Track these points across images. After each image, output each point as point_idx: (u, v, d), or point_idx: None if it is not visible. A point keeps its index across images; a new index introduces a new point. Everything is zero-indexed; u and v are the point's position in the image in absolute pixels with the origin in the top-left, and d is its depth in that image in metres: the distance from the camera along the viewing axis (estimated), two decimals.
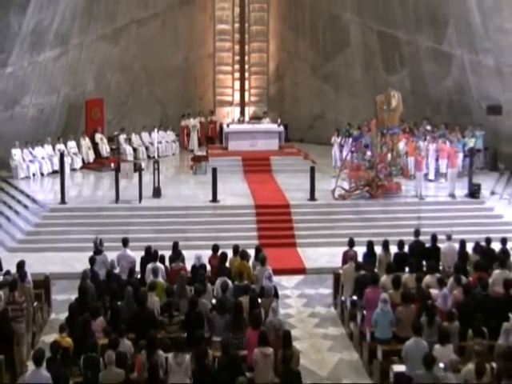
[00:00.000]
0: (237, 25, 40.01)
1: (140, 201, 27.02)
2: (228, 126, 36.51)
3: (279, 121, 36.45)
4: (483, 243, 19.71)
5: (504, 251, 19.37)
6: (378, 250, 19.52)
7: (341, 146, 32.19)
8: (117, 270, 18.60)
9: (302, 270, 23.06)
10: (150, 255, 18.80)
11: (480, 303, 15.76)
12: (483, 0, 28.28)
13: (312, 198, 27.22)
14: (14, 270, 18.26)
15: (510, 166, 32.08)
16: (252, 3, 40.24)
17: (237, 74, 40.23)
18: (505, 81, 29.90)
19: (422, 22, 33.19)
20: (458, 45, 31.74)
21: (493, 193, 28.58)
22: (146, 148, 35.72)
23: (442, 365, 13.10)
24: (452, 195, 27.67)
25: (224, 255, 18.73)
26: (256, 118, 38.91)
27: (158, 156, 30.25)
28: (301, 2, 39.01)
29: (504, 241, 19.73)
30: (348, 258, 19.06)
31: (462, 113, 33.11)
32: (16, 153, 30.99)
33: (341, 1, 36.97)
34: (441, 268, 19.14)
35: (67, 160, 31.07)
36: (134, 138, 35.73)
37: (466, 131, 31.55)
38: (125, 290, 16.22)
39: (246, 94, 40.18)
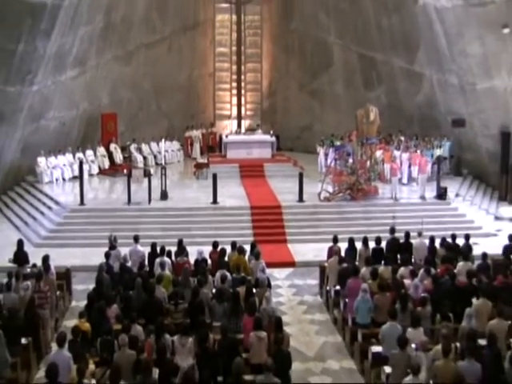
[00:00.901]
0: (234, 48, 39.93)
1: (149, 203, 27.03)
2: (227, 136, 36.50)
3: (271, 132, 36.44)
4: (449, 239, 19.81)
5: (467, 246, 19.50)
6: (359, 245, 19.58)
7: (325, 155, 32.21)
8: (129, 264, 18.60)
9: (291, 264, 23.06)
10: (156, 251, 18.84)
11: (447, 291, 15.84)
12: (448, 27, 28.31)
13: (301, 199, 27.21)
14: (39, 263, 18.31)
15: (472, 172, 32.24)
16: (247, 29, 40.19)
17: (234, 91, 40.11)
18: (467, 97, 29.91)
19: (396, 45, 33.23)
20: (427, 65, 31.78)
21: (457, 195, 28.61)
22: (155, 156, 35.67)
23: (413, 345, 13.17)
24: (423, 197, 27.72)
25: (223, 250, 18.72)
26: (251, 130, 38.91)
27: (165, 163, 30.15)
28: (290, 27, 38.96)
29: (467, 237, 19.85)
30: (332, 252, 19.10)
31: (431, 125, 33.15)
32: (41, 160, 31.00)
33: (326, 26, 36.95)
34: (413, 261, 19.17)
35: (85, 167, 31.01)
36: (144, 147, 35.69)
37: (435, 141, 31.62)
38: (135, 281, 16.26)
39: (243, 108, 40.08)
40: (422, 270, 17.08)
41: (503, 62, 27.70)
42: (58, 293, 18.06)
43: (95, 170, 33.31)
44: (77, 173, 30.05)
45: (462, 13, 27.36)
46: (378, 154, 30.28)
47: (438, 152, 30.68)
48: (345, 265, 18.00)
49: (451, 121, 30.94)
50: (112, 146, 34.47)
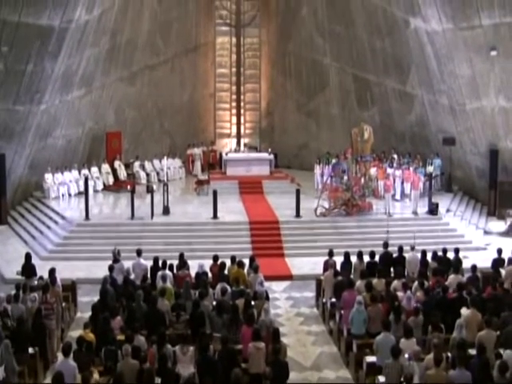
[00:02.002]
0: (234, 69, 40.13)
1: (152, 217, 27.02)
2: (226, 154, 36.53)
3: (270, 150, 36.51)
4: (440, 253, 19.81)
5: (458, 259, 19.50)
6: (354, 259, 19.57)
7: (322, 172, 32.22)
8: (132, 276, 18.57)
9: (289, 277, 23.04)
10: (158, 264, 18.78)
11: (438, 303, 15.85)
12: (439, 50, 28.40)
13: (297, 215, 27.22)
14: (46, 275, 18.28)
15: (462, 188, 32.28)
16: (247, 51, 40.38)
17: (234, 110, 40.31)
18: (457, 117, 29.99)
19: (389, 67, 33.34)
20: (418, 86, 31.86)
21: (448, 210, 28.61)
22: (157, 173, 35.63)
23: (406, 355, 13.16)
24: (415, 213, 27.73)
25: (223, 264, 18.68)
26: (250, 148, 38.99)
27: (167, 180, 30.20)
28: (288, 50, 39.11)
29: (457, 250, 19.85)
30: (328, 266, 19.08)
31: (422, 143, 33.25)
32: (48, 177, 31.03)
33: (321, 49, 37.09)
34: (406, 274, 19.17)
35: (91, 183, 30.99)
36: (147, 164, 35.73)
37: (427, 159, 31.71)
38: (135, 294, 16.23)
39: (242, 127, 40.24)
40: (415, 283, 17.11)
41: (491, 82, 27.79)
42: (63, 304, 18.02)
43: (100, 186, 33.30)
44: (82, 189, 30.09)
45: (451, 36, 27.48)
46: (372, 171, 30.33)
47: (429, 169, 30.73)
48: (340, 278, 18.01)
49: (442, 139, 31.03)
50: (116, 163, 34.49)
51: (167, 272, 18.12)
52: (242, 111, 40.17)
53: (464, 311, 15.26)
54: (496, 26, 26.30)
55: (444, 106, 30.51)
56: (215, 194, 27.14)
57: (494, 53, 26.68)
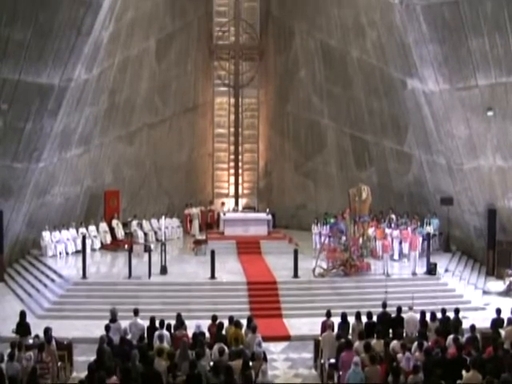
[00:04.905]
0: (232, 129, 40.44)
1: (149, 277, 26.94)
2: (224, 214, 36.57)
3: (267, 210, 36.61)
4: (439, 313, 19.75)
5: (457, 319, 19.44)
6: (352, 319, 19.49)
7: (319, 232, 32.26)
8: (129, 336, 18.48)
9: (287, 337, 22.86)
10: (154, 324, 18.71)
11: (438, 363, 15.75)
12: (436, 110, 28.73)
13: (295, 275, 27.13)
14: (41, 334, 18.18)
15: (460, 248, 32.30)
16: (245, 111, 40.77)
17: (232, 170, 40.51)
18: (454, 176, 30.17)
19: (386, 127, 33.66)
20: (416, 147, 32.14)
21: (447, 270, 28.60)
22: (155, 232, 35.69)
23: None
24: (414, 273, 27.70)
25: (221, 324, 18.60)
26: (248, 208, 39.13)
27: (165, 239, 30.16)
28: (286, 111, 39.54)
29: (457, 311, 19.79)
30: (326, 326, 19.00)
31: (420, 203, 33.38)
32: (45, 234, 31.09)
33: (319, 109, 37.51)
34: (404, 334, 19.08)
35: (88, 241, 31.00)
36: (145, 223, 35.78)
37: (425, 219, 31.83)
38: (131, 354, 16.11)
39: (240, 187, 40.41)
40: (415, 343, 17.02)
41: (488, 142, 28.05)
42: (59, 363, 17.88)
43: (98, 245, 33.31)
44: (80, 247, 30.10)
45: (448, 96, 27.81)
46: (371, 231, 30.42)
47: (427, 229, 30.80)
48: (342, 340, 17.89)
49: (440, 199, 31.19)
50: (114, 222, 34.57)
51: (164, 332, 18.03)
52: (240, 171, 40.37)
53: (465, 373, 15.15)
54: (492, 87, 26.69)
55: (441, 166, 30.72)
56: (213, 253, 27.14)
57: (490, 113, 27.04)
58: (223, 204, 39.74)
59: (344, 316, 19.67)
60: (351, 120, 35.82)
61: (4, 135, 26.71)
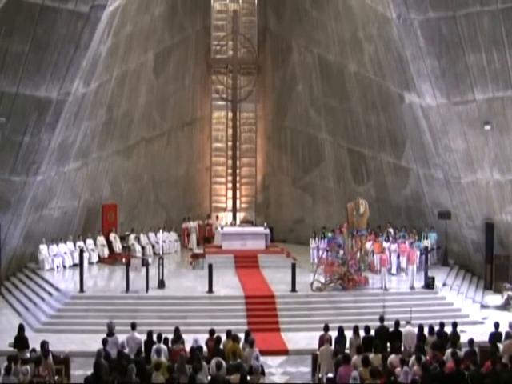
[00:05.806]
0: (230, 143, 40.56)
1: (147, 291, 26.86)
2: (222, 228, 36.59)
3: (265, 224, 36.61)
4: (437, 327, 19.71)
5: (455, 333, 19.40)
6: (350, 333, 19.44)
7: (317, 246, 32.25)
8: (126, 350, 18.42)
9: (284, 351, 22.81)
10: (152, 338, 18.64)
11: (436, 377, 15.70)
12: (433, 124, 28.81)
13: (293, 289, 27.10)
14: (38, 348, 18.11)
15: (458, 262, 32.32)
16: (243, 125, 40.89)
17: (230, 185, 40.58)
18: (452, 190, 30.23)
19: (384, 141, 33.75)
20: (413, 161, 32.22)
21: (444, 284, 28.59)
22: (153, 246, 35.68)
23: None
24: (412, 288, 27.68)
25: (219, 338, 18.54)
26: (246, 222, 39.13)
27: (163, 253, 30.16)
28: (283, 125, 39.63)
29: (455, 325, 19.75)
30: (324, 340, 18.93)
31: (418, 217, 33.43)
32: (43, 248, 31.06)
33: (317, 123, 37.59)
34: (402, 348, 19.04)
35: (86, 255, 31.03)
36: (143, 237, 35.76)
37: (422, 233, 31.86)
38: (128, 368, 16.04)
39: (238, 201, 40.44)
40: (412, 357, 16.97)
41: (485, 156, 28.12)
42: (56, 377, 17.79)
43: (95, 259, 33.28)
44: (77, 261, 30.00)
45: (445, 111, 27.90)
46: (368, 245, 30.44)
47: (425, 243, 30.81)
48: (340, 356, 17.84)
49: (438, 213, 31.23)
50: (112, 236, 34.55)
51: (162, 346, 17.98)
52: (237, 185, 40.44)
53: None
54: (489, 101, 26.77)
55: (439, 180, 30.78)
56: (210, 267, 27.09)
57: (487, 127, 27.11)
58: (217, 218, 39.80)
59: (341, 330, 19.62)
60: (349, 134, 35.91)
61: (2, 148, 26.70)
